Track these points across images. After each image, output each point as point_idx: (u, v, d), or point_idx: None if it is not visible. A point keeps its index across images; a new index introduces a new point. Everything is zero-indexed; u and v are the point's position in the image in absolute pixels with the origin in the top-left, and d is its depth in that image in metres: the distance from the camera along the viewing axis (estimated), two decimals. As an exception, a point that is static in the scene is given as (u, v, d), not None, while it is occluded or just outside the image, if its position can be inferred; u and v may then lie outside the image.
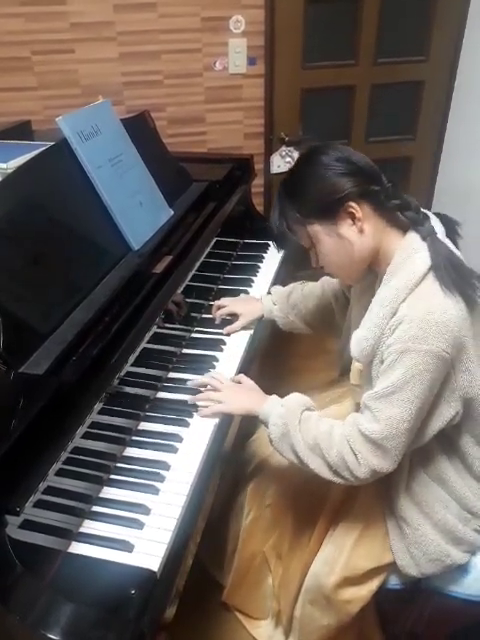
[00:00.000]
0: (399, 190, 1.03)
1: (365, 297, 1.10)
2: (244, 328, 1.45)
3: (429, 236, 0.99)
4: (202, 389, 1.22)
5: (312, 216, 1.03)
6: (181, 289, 1.36)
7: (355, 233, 1.02)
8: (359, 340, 1.03)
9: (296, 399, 1.11)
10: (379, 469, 0.99)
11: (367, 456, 0.99)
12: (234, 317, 1.46)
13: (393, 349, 0.95)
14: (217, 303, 1.50)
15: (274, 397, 1.14)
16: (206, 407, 1.18)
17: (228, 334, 1.43)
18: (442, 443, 1.07)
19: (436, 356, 0.92)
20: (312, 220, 1.03)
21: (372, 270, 1.10)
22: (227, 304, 1.48)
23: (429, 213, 1.05)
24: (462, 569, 1.15)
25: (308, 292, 1.44)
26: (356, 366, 1.13)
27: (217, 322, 1.48)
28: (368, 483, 1.07)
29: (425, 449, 1.07)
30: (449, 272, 0.95)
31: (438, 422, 1.00)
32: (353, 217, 1.00)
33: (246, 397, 1.18)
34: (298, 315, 1.44)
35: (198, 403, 1.19)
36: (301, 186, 1.03)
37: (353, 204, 0.99)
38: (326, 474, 1.03)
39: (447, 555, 1.09)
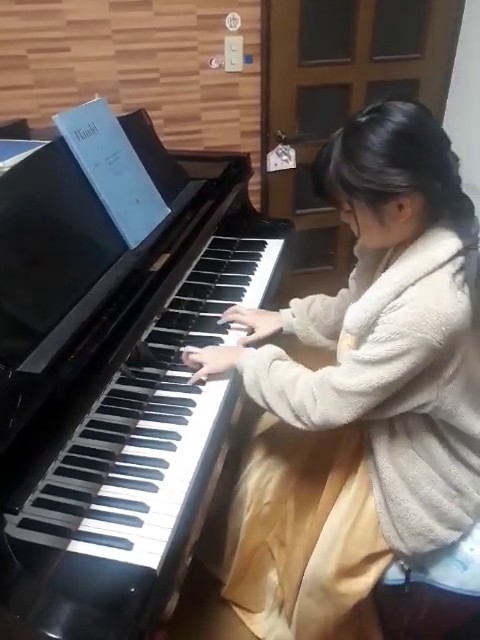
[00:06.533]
0: (459, 189, 0.99)
1: (368, 273, 1.15)
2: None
3: (470, 249, 0.96)
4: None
5: (359, 193, 0.95)
6: (178, 287, 1.36)
7: (398, 223, 0.98)
8: (356, 311, 1.02)
9: (267, 350, 1.19)
10: (333, 419, 1.04)
11: (325, 404, 1.03)
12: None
13: (388, 328, 0.95)
14: (235, 308, 1.46)
15: (250, 349, 1.23)
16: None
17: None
18: (427, 422, 1.09)
19: (427, 345, 0.93)
20: (358, 195, 0.95)
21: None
22: (245, 313, 1.44)
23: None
24: (459, 564, 1.16)
25: (328, 304, 1.40)
26: (344, 343, 1.16)
27: (220, 322, 1.45)
28: (361, 469, 1.16)
29: (411, 426, 1.09)
30: (470, 277, 0.95)
31: (407, 404, 1.03)
32: (401, 208, 0.96)
33: (225, 354, 1.25)
34: (319, 328, 1.40)
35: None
36: (359, 153, 0.92)
37: (407, 200, 0.94)
38: (289, 417, 1.10)
39: (430, 530, 1.11)
